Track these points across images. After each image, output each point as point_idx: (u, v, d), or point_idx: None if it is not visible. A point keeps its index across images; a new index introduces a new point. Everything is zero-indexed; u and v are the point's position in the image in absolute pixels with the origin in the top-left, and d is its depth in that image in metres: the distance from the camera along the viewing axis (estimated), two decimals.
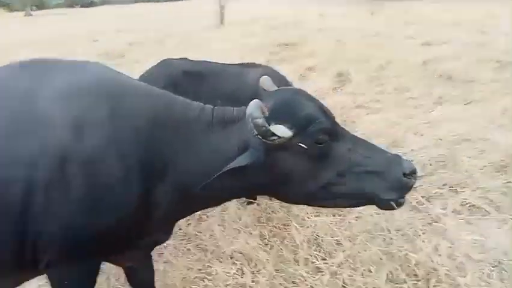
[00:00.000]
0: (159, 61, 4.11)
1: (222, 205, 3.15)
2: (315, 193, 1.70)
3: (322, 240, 3.04)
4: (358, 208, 3.39)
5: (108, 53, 12.74)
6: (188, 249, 3.05)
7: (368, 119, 5.50)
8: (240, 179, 1.61)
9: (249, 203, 3.60)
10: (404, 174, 1.60)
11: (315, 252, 2.90)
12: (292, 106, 1.63)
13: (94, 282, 1.82)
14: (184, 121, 1.72)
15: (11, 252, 1.47)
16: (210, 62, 4.06)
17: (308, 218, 3.33)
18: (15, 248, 1.47)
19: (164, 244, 3.08)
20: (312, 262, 2.82)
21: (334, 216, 3.35)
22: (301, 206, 3.54)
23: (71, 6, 60.45)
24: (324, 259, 2.85)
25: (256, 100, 1.55)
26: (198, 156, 1.70)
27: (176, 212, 1.88)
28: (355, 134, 1.68)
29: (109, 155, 1.51)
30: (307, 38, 13.08)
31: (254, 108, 1.50)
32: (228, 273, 2.76)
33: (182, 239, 3.18)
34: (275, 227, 3.24)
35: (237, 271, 2.79)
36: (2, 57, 13.55)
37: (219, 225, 3.30)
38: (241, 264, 2.84)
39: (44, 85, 1.55)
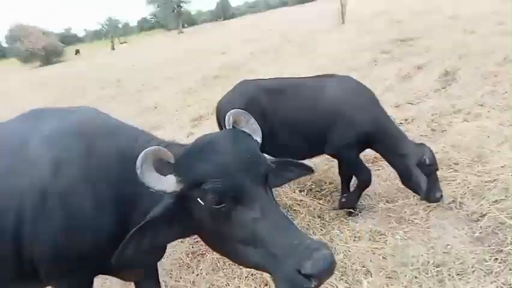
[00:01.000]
0: (238, 82, 4.48)
1: None
2: (226, 252, 1.66)
3: (349, 268, 2.89)
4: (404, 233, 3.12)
5: (229, 65, 13.88)
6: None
7: (461, 127, 4.77)
8: (174, 223, 1.66)
9: None
10: (303, 273, 1.30)
11: None
12: (194, 158, 1.56)
13: None
14: None
15: (13, 266, 1.92)
16: (286, 78, 4.35)
17: (345, 243, 3.19)
18: (15, 262, 1.91)
19: None
20: None
21: (372, 242, 3.13)
22: (341, 228, 3.42)
23: (215, 20, 67.49)
24: None
25: (151, 148, 1.54)
26: None
27: None
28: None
29: (83, 188, 1.83)
30: (431, 30, 11.88)
31: (140, 157, 1.50)
32: None
33: None
34: None
35: None
36: (155, 73, 16.18)
37: None
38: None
39: (36, 130, 1.97)
